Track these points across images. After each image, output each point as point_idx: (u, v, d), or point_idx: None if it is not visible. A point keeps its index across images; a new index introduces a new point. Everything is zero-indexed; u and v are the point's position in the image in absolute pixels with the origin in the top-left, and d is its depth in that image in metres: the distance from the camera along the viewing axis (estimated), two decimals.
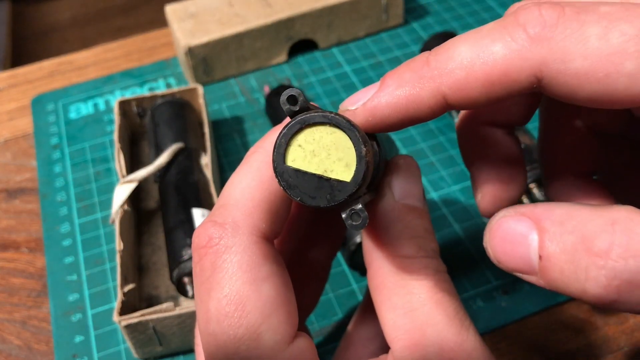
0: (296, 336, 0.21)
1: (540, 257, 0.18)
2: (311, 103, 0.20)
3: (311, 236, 0.28)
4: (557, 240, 0.18)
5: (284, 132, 0.19)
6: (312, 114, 0.19)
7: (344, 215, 0.18)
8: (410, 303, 0.22)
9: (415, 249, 0.23)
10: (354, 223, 0.18)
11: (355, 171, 0.18)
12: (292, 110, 0.19)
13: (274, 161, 0.19)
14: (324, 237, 0.29)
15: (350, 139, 0.18)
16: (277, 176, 0.19)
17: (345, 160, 0.19)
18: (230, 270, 0.21)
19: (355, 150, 0.18)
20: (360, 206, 0.18)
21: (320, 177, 0.19)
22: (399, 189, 0.23)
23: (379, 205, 0.23)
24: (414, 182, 0.24)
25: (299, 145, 0.19)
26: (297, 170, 0.19)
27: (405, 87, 0.20)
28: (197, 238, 0.21)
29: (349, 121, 0.18)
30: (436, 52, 0.20)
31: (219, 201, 0.22)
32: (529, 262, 0.19)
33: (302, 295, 0.27)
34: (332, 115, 0.18)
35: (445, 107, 0.20)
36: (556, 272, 0.18)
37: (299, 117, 0.19)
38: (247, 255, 0.21)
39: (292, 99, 0.19)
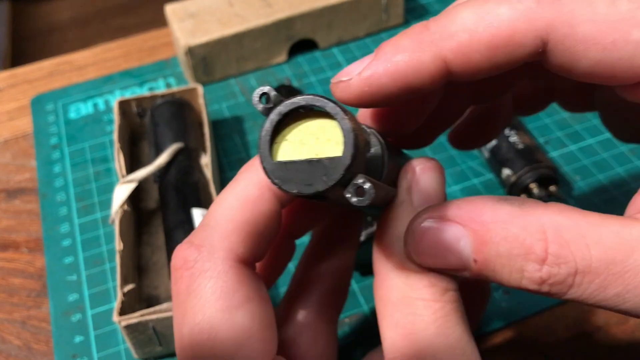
0: None
1: (475, 260, 0.19)
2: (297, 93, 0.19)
3: (325, 246, 0.27)
4: (493, 247, 0.19)
5: (264, 128, 0.18)
6: (285, 102, 0.18)
7: (347, 195, 0.17)
8: (412, 324, 0.20)
9: None
10: (359, 198, 0.17)
11: (344, 142, 0.17)
12: (266, 108, 0.18)
13: (261, 162, 0.18)
14: (336, 249, 0.28)
15: (327, 110, 0.17)
16: (268, 176, 0.18)
17: (334, 139, 0.18)
18: (203, 297, 0.20)
19: (339, 122, 0.17)
20: (362, 179, 0.17)
21: (310, 161, 0.17)
22: (418, 196, 0.22)
23: (394, 210, 0.22)
24: (436, 189, 0.22)
25: (285, 139, 0.18)
26: (286, 163, 0.18)
27: (403, 53, 0.19)
28: (174, 259, 0.21)
29: (323, 96, 0.17)
30: (437, 18, 0.19)
31: (202, 220, 0.22)
32: (459, 264, 0.19)
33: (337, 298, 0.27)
34: (304, 96, 0.17)
35: (446, 75, 0.19)
36: (490, 271, 0.19)
37: (272, 111, 0.18)
38: (221, 281, 0.20)
39: (264, 97, 0.18)
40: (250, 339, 0.20)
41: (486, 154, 0.42)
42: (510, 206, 0.19)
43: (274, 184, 0.18)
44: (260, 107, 0.18)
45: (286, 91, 0.47)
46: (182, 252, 0.21)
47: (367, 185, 0.17)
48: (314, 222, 0.27)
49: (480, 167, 0.44)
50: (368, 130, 0.21)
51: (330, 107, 0.17)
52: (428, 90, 0.20)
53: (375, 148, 0.21)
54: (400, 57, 0.19)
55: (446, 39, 0.19)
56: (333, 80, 0.21)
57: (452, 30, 0.19)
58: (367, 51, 0.54)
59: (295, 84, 0.52)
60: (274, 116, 0.18)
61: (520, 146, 0.40)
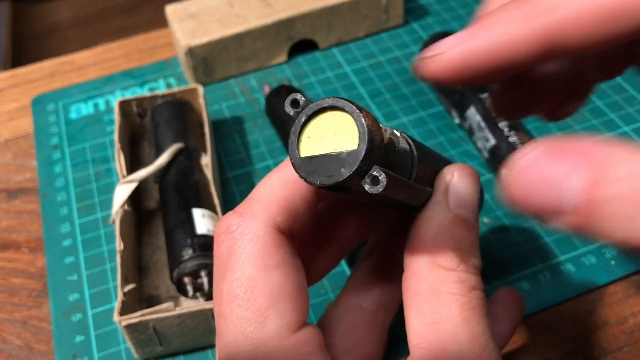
0: (304, 325, 0.22)
1: (586, 200, 0.16)
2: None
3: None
4: (611, 186, 0.15)
5: (292, 130, 0.20)
6: (310, 105, 0.20)
7: (364, 184, 0.18)
8: (438, 314, 0.22)
9: (456, 262, 0.22)
10: (374, 187, 0.18)
11: (359, 137, 0.19)
12: (296, 112, 0.20)
13: (290, 158, 0.20)
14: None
15: (346, 110, 0.19)
16: (295, 170, 0.20)
17: (350, 133, 0.19)
18: (243, 256, 0.22)
19: (354, 118, 0.19)
20: (379, 171, 0.18)
21: (329, 155, 0.19)
22: (454, 198, 0.23)
23: (430, 210, 0.23)
24: (471, 194, 0.23)
25: (309, 137, 0.20)
26: (310, 157, 0.20)
27: (508, 24, 0.18)
28: (218, 225, 0.23)
29: (342, 98, 0.20)
30: None
31: (248, 195, 0.24)
32: (563, 205, 0.16)
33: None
34: (327, 99, 0.20)
35: (553, 50, 0.18)
36: (601, 216, 0.15)
37: (300, 114, 0.20)
38: (260, 243, 0.22)
39: (295, 103, 0.20)
40: (284, 297, 0.22)
41: (486, 154, 0.42)
42: (633, 144, 0.16)
43: (300, 177, 0.20)
44: (292, 112, 0.20)
45: (286, 91, 0.47)
46: (226, 219, 0.23)
47: (381, 176, 0.18)
48: (367, 232, 0.28)
49: (479, 167, 0.44)
50: (398, 133, 0.23)
51: (348, 106, 0.19)
52: (528, 67, 0.18)
53: (404, 148, 0.22)
54: (505, 28, 0.18)
55: (555, 8, 0.17)
56: (424, 54, 0.20)
57: (559, 0, 0.17)
58: (367, 51, 0.54)
59: (296, 84, 0.52)
60: (301, 118, 0.20)
61: (520, 146, 0.40)
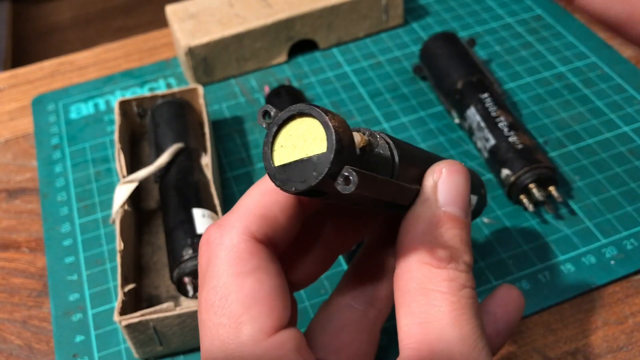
0: (282, 329, 0.22)
1: None
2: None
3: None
4: None
5: (265, 141, 0.21)
6: (280, 114, 0.21)
7: (338, 187, 0.19)
8: (427, 314, 0.22)
9: (446, 260, 0.22)
10: (345, 186, 0.19)
11: (327, 139, 0.19)
12: (268, 124, 0.21)
13: (265, 168, 0.20)
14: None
15: (313, 115, 0.20)
16: (271, 179, 0.20)
17: (320, 137, 0.20)
18: (218, 265, 0.22)
19: (320, 122, 0.19)
20: (350, 171, 0.19)
21: (301, 161, 0.20)
22: (444, 195, 0.23)
23: (418, 207, 0.23)
24: (461, 190, 0.23)
25: (282, 146, 0.21)
26: (284, 166, 0.20)
27: None
28: (202, 238, 0.24)
29: (308, 103, 0.20)
30: None
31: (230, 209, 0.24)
32: None
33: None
34: (295, 106, 0.20)
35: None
36: None
37: (271, 124, 0.21)
38: (234, 252, 0.22)
39: (266, 115, 0.21)
40: (258, 302, 0.22)
41: (485, 154, 0.42)
42: None
43: (277, 185, 0.20)
44: (264, 124, 0.21)
45: (286, 91, 0.47)
46: (208, 231, 0.24)
47: (352, 175, 0.18)
48: (359, 234, 0.28)
49: (479, 167, 0.44)
50: (377, 134, 0.23)
51: (314, 111, 0.20)
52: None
53: (383, 148, 0.22)
54: None
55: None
56: None
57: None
58: (367, 51, 0.54)
59: (296, 84, 0.52)
60: (272, 128, 0.21)
61: (520, 146, 0.40)
